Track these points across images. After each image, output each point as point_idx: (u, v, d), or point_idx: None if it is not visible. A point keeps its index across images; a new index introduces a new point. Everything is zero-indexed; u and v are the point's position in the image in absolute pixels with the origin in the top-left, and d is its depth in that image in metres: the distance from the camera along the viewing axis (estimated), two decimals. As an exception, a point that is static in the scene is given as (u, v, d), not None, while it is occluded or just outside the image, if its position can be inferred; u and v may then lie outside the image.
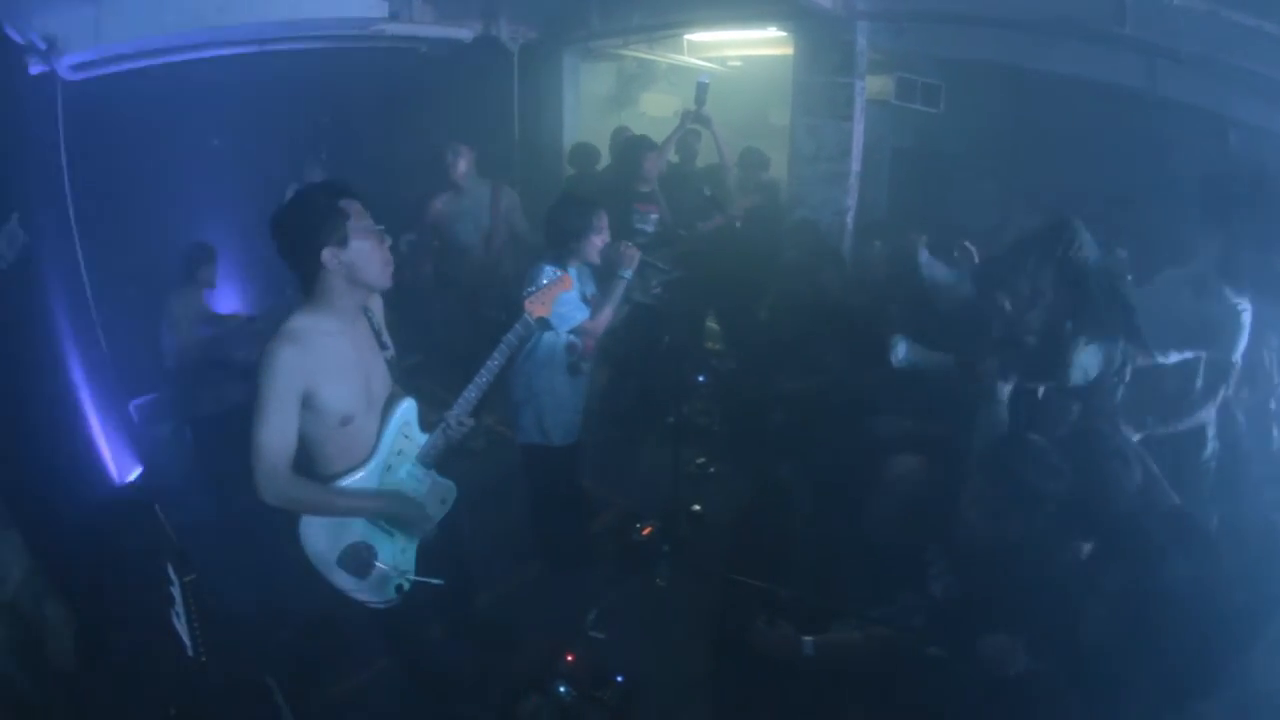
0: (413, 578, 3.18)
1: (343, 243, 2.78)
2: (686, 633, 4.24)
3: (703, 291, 7.28)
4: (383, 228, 2.90)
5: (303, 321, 2.83)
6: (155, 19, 5.52)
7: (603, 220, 4.40)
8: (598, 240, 4.36)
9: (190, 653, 2.98)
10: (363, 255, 2.83)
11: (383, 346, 3.15)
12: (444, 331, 6.36)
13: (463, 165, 6.15)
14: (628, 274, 4.38)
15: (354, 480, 3.03)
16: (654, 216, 6.24)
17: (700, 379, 5.37)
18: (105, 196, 6.01)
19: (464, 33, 7.97)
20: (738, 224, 6.03)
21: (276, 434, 2.74)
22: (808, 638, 3.04)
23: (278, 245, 2.81)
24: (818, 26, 6.91)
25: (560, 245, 4.33)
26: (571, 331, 4.37)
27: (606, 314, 4.41)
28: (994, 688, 2.74)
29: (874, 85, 7.43)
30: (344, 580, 3.05)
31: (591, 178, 7.36)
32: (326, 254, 2.77)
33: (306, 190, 2.88)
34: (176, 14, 5.58)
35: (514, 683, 3.66)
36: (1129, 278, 6.48)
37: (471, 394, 3.25)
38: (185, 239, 6.17)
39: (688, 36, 9.25)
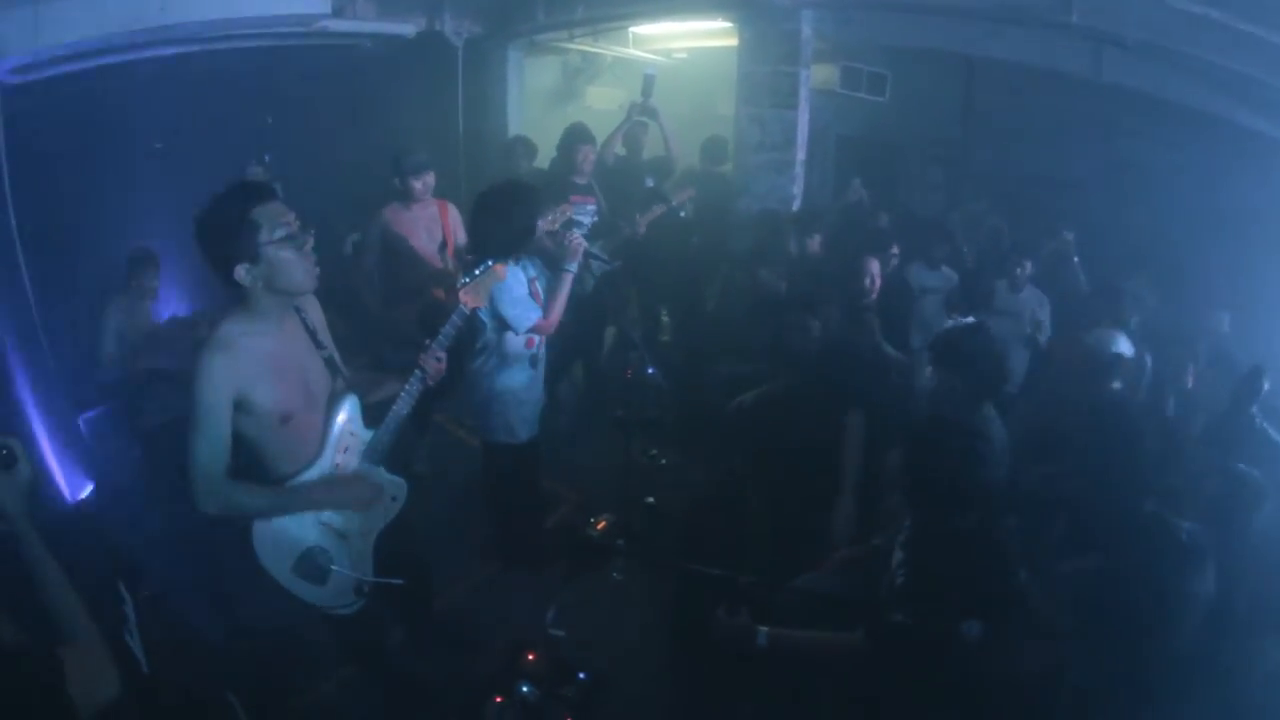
0: (371, 579, 3.17)
1: (255, 258, 2.71)
2: (647, 625, 4.29)
3: (653, 282, 7.33)
4: (298, 229, 2.80)
5: (229, 328, 2.78)
6: (96, 19, 5.41)
7: (541, 207, 4.39)
8: (544, 226, 4.37)
9: (145, 669, 2.96)
10: (278, 266, 2.76)
11: (319, 346, 3.10)
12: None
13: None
14: (573, 267, 4.37)
15: (303, 480, 3.01)
16: (590, 208, 6.22)
17: (650, 370, 5.39)
18: (48, 203, 5.87)
19: (408, 28, 7.95)
20: (682, 214, 6.00)
21: (210, 443, 2.71)
22: (763, 628, 3.05)
23: (201, 254, 2.75)
24: (762, 16, 6.95)
25: (505, 236, 4.19)
26: (529, 330, 4.35)
27: (558, 309, 4.39)
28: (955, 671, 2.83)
29: (819, 74, 7.49)
30: (301, 588, 3.01)
31: (535, 173, 7.27)
32: (240, 270, 2.70)
33: (216, 201, 2.75)
34: (117, 14, 5.49)
35: (476, 685, 3.67)
36: (1075, 259, 6.67)
37: (415, 386, 3.23)
38: (130, 245, 6.09)
39: (633, 29, 9.29)
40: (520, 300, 4.25)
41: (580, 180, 6.35)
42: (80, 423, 5.76)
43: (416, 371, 3.23)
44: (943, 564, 2.93)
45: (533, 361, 4.49)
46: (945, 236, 6.79)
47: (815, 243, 6.44)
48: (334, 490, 3.06)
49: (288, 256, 2.77)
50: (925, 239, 6.58)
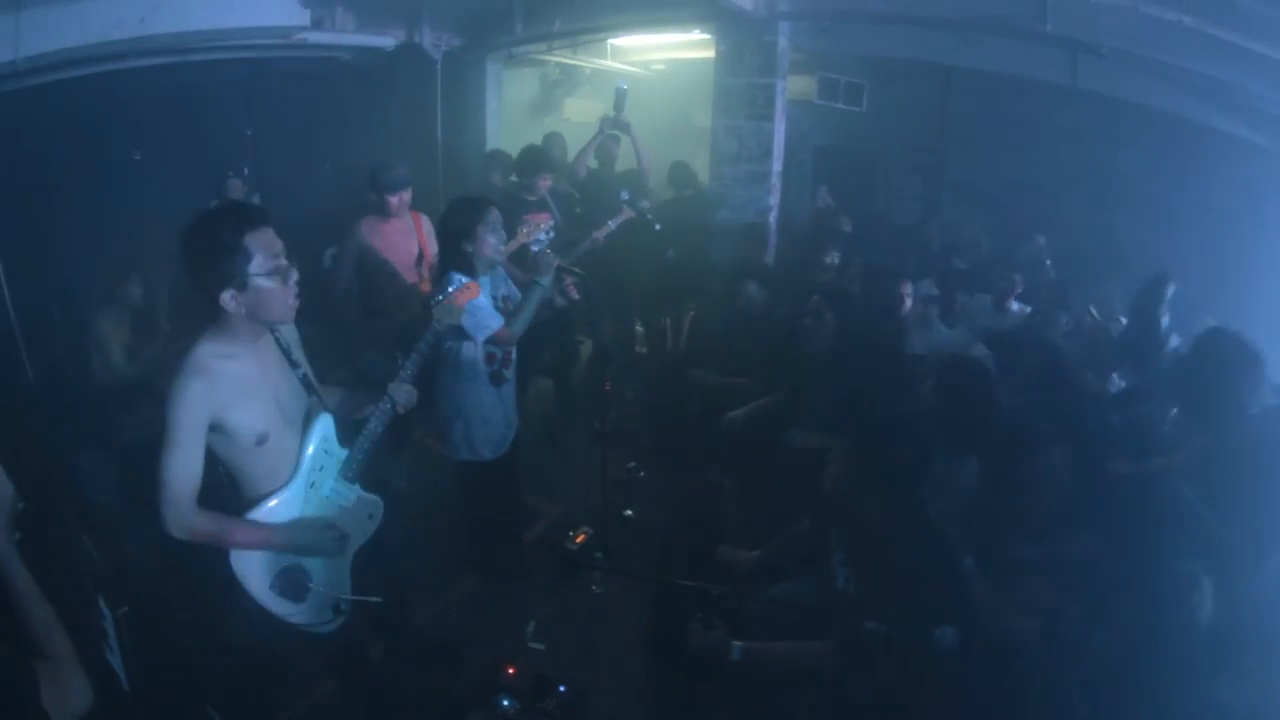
0: (349, 597, 3.16)
1: (243, 286, 2.69)
2: (626, 638, 4.28)
3: (630, 296, 7.36)
4: (288, 263, 2.78)
5: (205, 350, 2.76)
6: (77, 29, 5.38)
7: (491, 217, 4.25)
8: (491, 239, 4.23)
9: (125, 687, 2.97)
10: (264, 297, 2.74)
11: (293, 365, 3.08)
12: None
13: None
14: (545, 282, 4.27)
15: (279, 500, 3.01)
16: (548, 224, 6.19)
17: (627, 383, 5.41)
18: (27, 213, 5.89)
19: (387, 41, 7.89)
20: (657, 227, 6.00)
21: (181, 469, 2.69)
22: (737, 642, 3.08)
23: (184, 270, 2.73)
24: (739, 28, 6.98)
25: (455, 249, 4.23)
26: (488, 340, 4.27)
27: (522, 322, 4.29)
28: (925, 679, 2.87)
29: (796, 85, 7.53)
30: (279, 605, 3.00)
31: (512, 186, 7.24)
32: (225, 296, 2.68)
33: (210, 221, 2.72)
34: (98, 24, 5.46)
35: (456, 699, 3.67)
36: (1048, 262, 6.74)
37: (386, 409, 3.25)
38: (109, 256, 6.05)
39: (611, 41, 9.37)
40: (482, 309, 4.17)
41: (532, 197, 6.34)
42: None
43: (387, 399, 3.25)
44: (877, 555, 3.03)
45: (494, 379, 4.43)
46: (1010, 269, 6.43)
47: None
48: (300, 534, 3.04)
49: (273, 288, 2.75)
50: (993, 276, 6.33)
